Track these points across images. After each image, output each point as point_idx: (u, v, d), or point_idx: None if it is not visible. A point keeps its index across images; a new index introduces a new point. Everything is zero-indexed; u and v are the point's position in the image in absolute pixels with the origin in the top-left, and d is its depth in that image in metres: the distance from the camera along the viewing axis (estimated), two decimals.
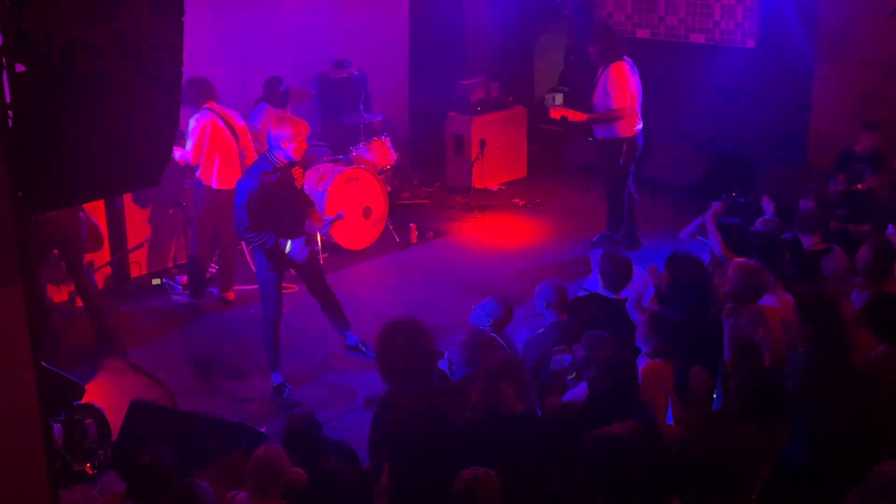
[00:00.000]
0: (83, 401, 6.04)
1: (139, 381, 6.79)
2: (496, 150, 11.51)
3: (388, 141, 9.92)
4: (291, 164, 6.57)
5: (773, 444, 4.44)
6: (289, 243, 6.60)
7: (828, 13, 9.98)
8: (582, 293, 6.54)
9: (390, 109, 11.01)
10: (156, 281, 8.69)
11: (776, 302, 5.93)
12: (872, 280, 6.13)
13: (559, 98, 12.53)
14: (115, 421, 5.93)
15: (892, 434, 4.70)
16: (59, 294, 8.03)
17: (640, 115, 9.14)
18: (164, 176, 3.41)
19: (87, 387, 6.09)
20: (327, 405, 6.81)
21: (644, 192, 10.79)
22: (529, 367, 5.47)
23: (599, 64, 8.99)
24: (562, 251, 9.57)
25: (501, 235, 10.19)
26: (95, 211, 8.39)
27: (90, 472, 5.83)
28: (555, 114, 9.35)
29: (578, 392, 5.12)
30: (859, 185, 8.47)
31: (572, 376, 5.27)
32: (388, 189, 9.86)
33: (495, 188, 11.54)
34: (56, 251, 7.56)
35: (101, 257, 8.53)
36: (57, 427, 5.74)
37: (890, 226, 7.19)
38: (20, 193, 2.94)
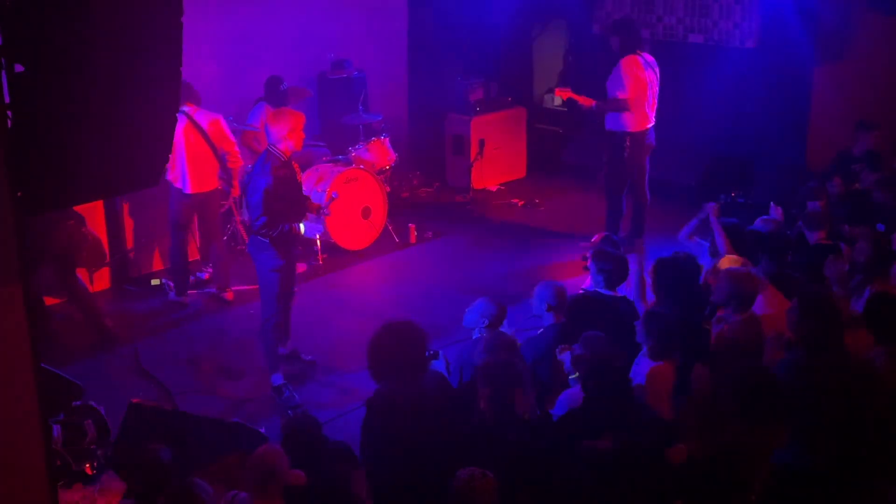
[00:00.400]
0: (82, 401, 6.05)
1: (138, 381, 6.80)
2: (495, 150, 11.52)
3: (387, 141, 9.93)
4: (292, 156, 6.65)
5: (772, 443, 4.45)
6: (302, 226, 6.86)
7: (827, 14, 9.98)
8: (580, 293, 6.55)
9: (389, 110, 11.01)
10: (155, 281, 8.69)
11: (767, 301, 5.93)
12: (872, 276, 6.15)
13: (558, 98, 12.55)
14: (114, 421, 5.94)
15: (889, 435, 4.70)
16: (58, 294, 8.00)
17: (651, 112, 9.17)
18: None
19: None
20: (327, 405, 6.80)
21: None
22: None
23: (617, 55, 9.05)
24: (560, 251, 9.56)
25: (500, 236, 10.19)
26: (94, 211, 8.40)
27: (89, 471, 5.83)
28: (561, 93, 9.38)
29: (575, 391, 5.12)
30: (856, 185, 8.48)
31: (575, 376, 5.27)
32: (388, 189, 9.86)
33: (494, 188, 11.55)
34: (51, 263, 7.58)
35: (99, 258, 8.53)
36: (56, 427, 5.74)
37: (879, 224, 7.20)
38: (19, 194, 2.94)
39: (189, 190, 8.04)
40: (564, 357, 5.46)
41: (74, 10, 2.91)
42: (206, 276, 8.79)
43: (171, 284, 8.52)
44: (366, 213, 9.58)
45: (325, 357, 7.55)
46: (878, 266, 6.27)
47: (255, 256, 6.86)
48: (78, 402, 6.03)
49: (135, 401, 6.04)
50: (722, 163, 10.98)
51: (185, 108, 7.92)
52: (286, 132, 6.51)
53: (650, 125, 9.21)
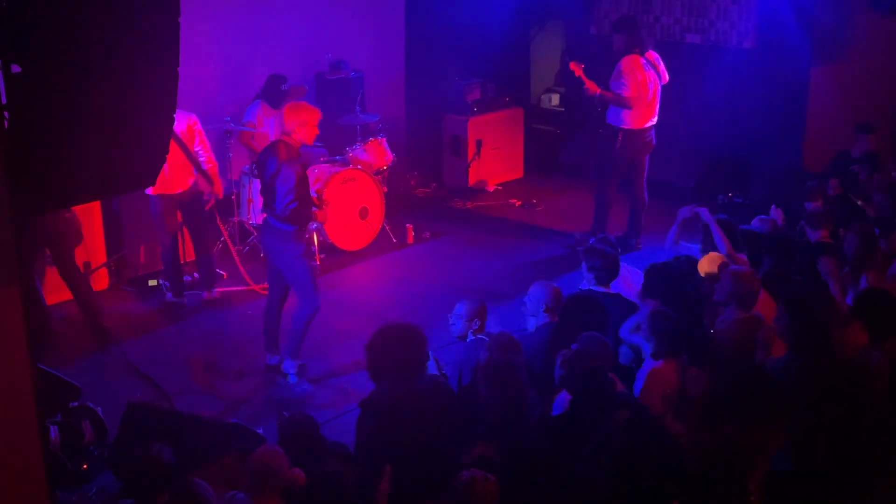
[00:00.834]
0: (79, 402, 6.05)
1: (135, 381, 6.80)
2: (493, 150, 11.53)
3: (384, 142, 9.92)
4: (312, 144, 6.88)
5: (769, 443, 4.45)
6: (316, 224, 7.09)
7: (824, 14, 9.99)
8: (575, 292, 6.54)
9: (387, 110, 11.01)
10: (152, 282, 8.68)
11: (760, 303, 5.94)
12: (861, 268, 6.17)
13: (556, 98, 12.56)
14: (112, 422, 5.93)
15: (884, 429, 4.70)
16: (56, 295, 7.99)
17: (651, 111, 9.22)
18: None
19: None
20: (324, 406, 6.80)
21: None
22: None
23: (620, 54, 9.11)
24: (558, 252, 9.57)
25: (498, 236, 10.19)
26: (91, 212, 8.39)
27: (87, 472, 5.83)
28: (574, 67, 9.35)
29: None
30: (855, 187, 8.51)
31: None
32: (385, 190, 9.86)
33: (492, 188, 11.55)
34: (47, 250, 7.59)
35: (98, 258, 8.52)
36: (53, 428, 5.74)
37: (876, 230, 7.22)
38: (17, 194, 2.94)
39: (167, 191, 7.97)
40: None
41: (71, 10, 2.91)
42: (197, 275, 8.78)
43: (168, 285, 8.51)
44: (363, 213, 9.57)
45: (323, 357, 7.54)
46: (868, 258, 6.31)
47: (279, 248, 6.91)
48: (75, 403, 6.04)
49: (132, 401, 6.03)
50: (719, 163, 10.99)
51: None
52: (298, 124, 6.70)
53: (649, 124, 9.24)
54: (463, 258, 9.60)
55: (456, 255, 9.70)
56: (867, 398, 4.83)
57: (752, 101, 10.56)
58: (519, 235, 10.19)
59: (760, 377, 4.68)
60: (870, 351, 5.20)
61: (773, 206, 7.92)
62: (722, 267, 6.28)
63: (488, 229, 10.38)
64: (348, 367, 7.42)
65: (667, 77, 9.27)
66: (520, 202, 11.15)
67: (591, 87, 9.15)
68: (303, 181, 6.77)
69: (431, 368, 5.70)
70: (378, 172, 9.83)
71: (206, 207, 8.42)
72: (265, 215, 7.03)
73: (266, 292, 7.62)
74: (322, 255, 9.17)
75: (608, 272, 6.22)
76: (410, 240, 9.89)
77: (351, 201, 9.44)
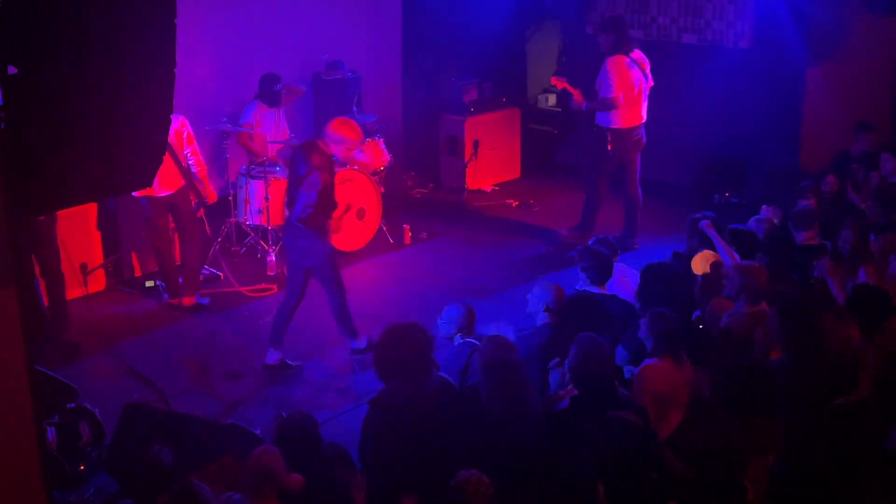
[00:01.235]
0: (76, 403, 6.04)
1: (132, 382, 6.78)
2: (490, 150, 11.53)
3: (381, 142, 9.92)
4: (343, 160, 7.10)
5: (764, 440, 4.46)
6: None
7: (820, 14, 10.00)
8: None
9: (384, 110, 11.01)
10: (149, 283, 8.67)
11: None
12: (857, 264, 6.19)
13: (552, 98, 12.57)
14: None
15: (872, 421, 4.71)
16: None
17: (639, 110, 9.28)
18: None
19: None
20: (322, 406, 6.79)
21: None
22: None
23: (606, 54, 9.20)
24: (555, 252, 9.57)
25: (495, 236, 10.20)
26: (88, 213, 8.39)
27: (84, 474, 5.82)
28: (556, 82, 9.57)
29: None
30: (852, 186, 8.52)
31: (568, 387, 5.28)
32: (382, 190, 9.86)
33: (489, 189, 11.55)
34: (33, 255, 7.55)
35: (94, 259, 8.52)
36: (51, 430, 5.73)
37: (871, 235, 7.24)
38: (13, 196, 2.94)
39: (153, 193, 7.90)
40: (558, 372, 5.46)
41: (68, 11, 2.91)
42: (201, 277, 8.77)
43: (165, 286, 8.51)
44: (360, 214, 9.57)
45: (320, 358, 7.55)
46: (863, 254, 6.33)
47: (306, 246, 7.10)
48: (72, 405, 6.02)
49: (130, 402, 6.02)
50: (715, 163, 11.00)
51: None
52: (337, 139, 6.85)
53: (639, 123, 9.31)
54: (460, 258, 9.60)
55: (453, 255, 9.70)
56: (855, 391, 4.86)
57: (748, 100, 10.57)
58: (516, 235, 10.19)
59: (757, 374, 4.70)
60: (858, 344, 5.23)
61: (763, 207, 7.94)
62: (714, 266, 6.30)
63: (485, 229, 10.38)
64: (346, 367, 7.43)
65: (652, 80, 9.34)
66: (517, 202, 11.15)
67: (578, 98, 9.31)
68: (328, 189, 6.90)
69: None
70: (375, 173, 9.83)
71: (197, 214, 8.40)
72: (287, 214, 7.21)
73: (254, 294, 7.72)
74: (308, 265, 9.14)
75: (601, 273, 6.22)
76: (407, 240, 9.89)
77: (348, 202, 9.43)
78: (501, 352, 5.18)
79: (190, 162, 8.07)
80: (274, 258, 9.02)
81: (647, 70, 9.29)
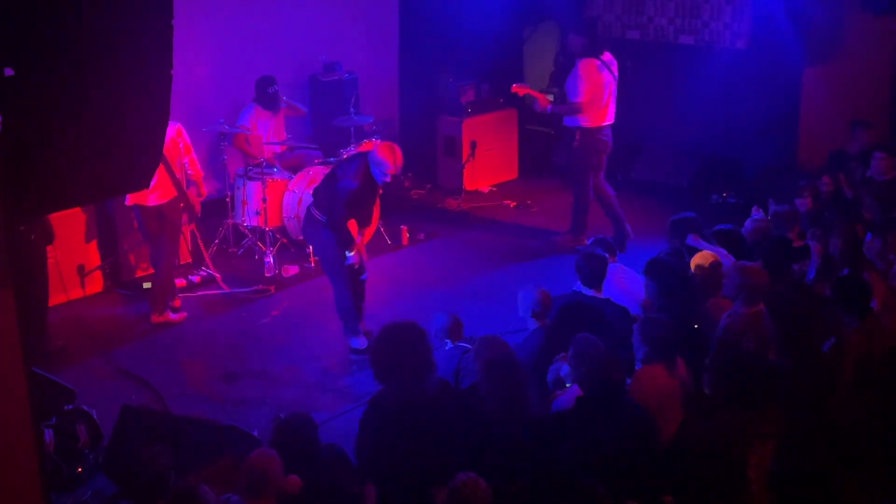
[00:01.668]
0: (74, 405, 6.03)
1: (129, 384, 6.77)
2: (487, 151, 11.53)
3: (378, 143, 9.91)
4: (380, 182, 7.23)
5: (766, 429, 4.46)
6: (347, 254, 7.32)
7: (817, 14, 10.01)
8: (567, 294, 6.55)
9: (381, 111, 11.02)
10: (146, 285, 8.66)
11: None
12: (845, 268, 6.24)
13: (550, 99, 12.56)
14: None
15: (854, 408, 4.73)
16: (52, 297, 7.95)
17: (609, 112, 9.38)
18: None
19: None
20: (319, 407, 6.78)
21: (634, 194, 10.83)
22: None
23: (578, 56, 9.32)
24: (553, 253, 9.57)
25: (492, 237, 10.19)
26: (86, 215, 8.39)
27: (82, 476, 5.81)
28: (517, 89, 9.69)
29: (570, 394, 5.13)
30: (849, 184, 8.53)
31: (568, 386, 5.28)
32: (380, 191, 9.83)
33: (486, 190, 11.55)
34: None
35: (91, 261, 8.51)
36: (48, 432, 5.73)
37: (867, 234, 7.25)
38: (11, 198, 2.93)
39: (144, 202, 7.80)
40: (558, 366, 5.46)
41: (65, 13, 2.90)
42: (198, 279, 8.77)
43: None
44: None
45: (318, 359, 7.55)
46: (853, 260, 6.35)
47: (312, 235, 7.55)
48: (70, 407, 6.02)
49: (127, 404, 6.02)
50: (713, 163, 11.01)
51: None
52: (377, 161, 7.09)
53: (605, 123, 9.41)
54: (458, 259, 9.60)
55: (451, 256, 9.70)
56: (841, 385, 4.87)
57: (745, 101, 10.58)
58: (514, 236, 10.19)
59: (755, 363, 4.71)
60: (847, 334, 5.27)
61: (754, 207, 7.95)
62: (714, 263, 6.30)
63: (483, 230, 10.39)
64: (344, 368, 7.43)
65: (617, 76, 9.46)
66: (514, 203, 11.15)
67: (542, 101, 9.49)
68: (357, 202, 7.16)
69: None
70: None
71: (185, 225, 8.32)
72: (309, 205, 7.49)
73: (252, 297, 7.80)
74: (317, 257, 9.15)
75: (594, 275, 6.20)
76: (405, 241, 9.89)
77: None
78: (499, 351, 5.20)
79: (188, 171, 7.99)
80: (272, 259, 9.01)
81: (615, 69, 9.40)
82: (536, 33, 12.66)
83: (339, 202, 7.13)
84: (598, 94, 9.19)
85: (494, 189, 11.60)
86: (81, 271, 8.43)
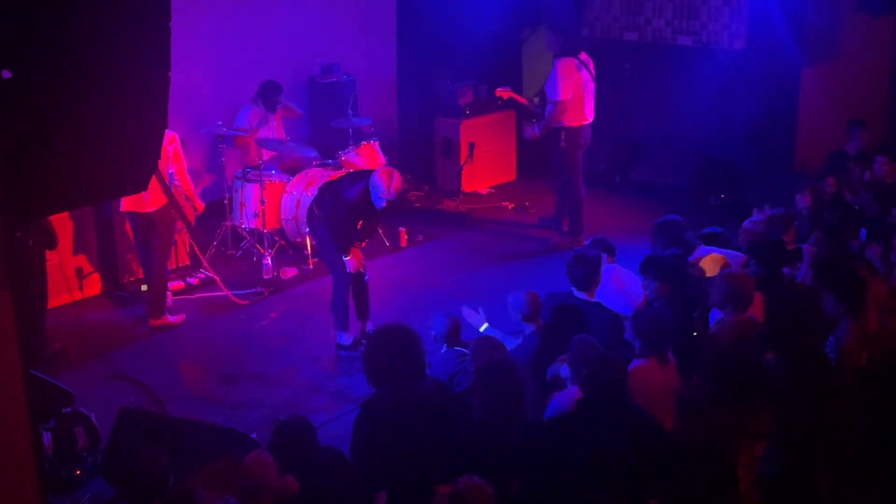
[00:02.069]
0: (72, 408, 6.03)
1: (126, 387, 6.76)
2: (485, 153, 11.53)
3: (376, 145, 9.91)
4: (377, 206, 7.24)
5: (755, 427, 4.46)
6: (345, 258, 7.36)
7: (814, 15, 10.02)
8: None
9: (379, 113, 11.01)
10: (144, 287, 8.65)
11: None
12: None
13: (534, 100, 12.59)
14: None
15: (850, 406, 4.73)
16: (52, 299, 7.94)
17: (588, 110, 9.53)
18: None
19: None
20: (317, 409, 6.78)
21: (633, 194, 10.83)
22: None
23: (555, 55, 9.49)
24: (552, 253, 9.57)
25: (491, 239, 10.19)
26: (84, 216, 8.37)
27: (80, 478, 5.81)
28: (501, 93, 9.94)
29: (568, 395, 5.12)
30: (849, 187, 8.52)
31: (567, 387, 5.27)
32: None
33: (485, 191, 11.55)
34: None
35: (89, 264, 8.50)
36: (47, 434, 5.72)
37: (863, 230, 7.26)
38: (9, 200, 2.93)
39: (138, 208, 7.78)
40: (557, 367, 5.46)
41: (62, 15, 2.90)
42: (196, 281, 8.76)
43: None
44: None
45: (316, 361, 7.54)
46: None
47: (319, 231, 7.56)
48: (68, 409, 6.01)
49: (125, 407, 6.02)
50: (711, 164, 11.01)
51: None
52: (373, 184, 7.09)
53: (586, 122, 9.56)
54: (456, 261, 9.59)
55: (449, 258, 9.70)
56: (840, 384, 4.87)
57: (743, 102, 10.59)
58: (512, 238, 10.19)
59: (745, 362, 4.71)
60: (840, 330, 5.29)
61: (755, 210, 7.94)
62: (724, 267, 6.30)
63: (481, 232, 10.38)
64: (342, 370, 7.42)
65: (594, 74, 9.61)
66: (512, 205, 11.15)
67: (526, 105, 9.66)
68: (355, 216, 7.23)
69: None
70: None
71: (177, 235, 8.29)
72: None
73: (244, 301, 7.95)
74: (315, 259, 9.15)
75: (583, 279, 6.18)
76: (404, 243, 9.89)
77: None
78: (494, 353, 5.20)
79: (175, 181, 7.77)
80: (270, 261, 9.00)
81: (593, 70, 9.53)
82: (535, 35, 12.65)
83: (339, 209, 7.23)
84: (578, 93, 9.36)
85: (493, 190, 11.60)
86: (80, 274, 8.42)
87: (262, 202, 9.08)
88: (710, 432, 4.40)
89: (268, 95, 9.44)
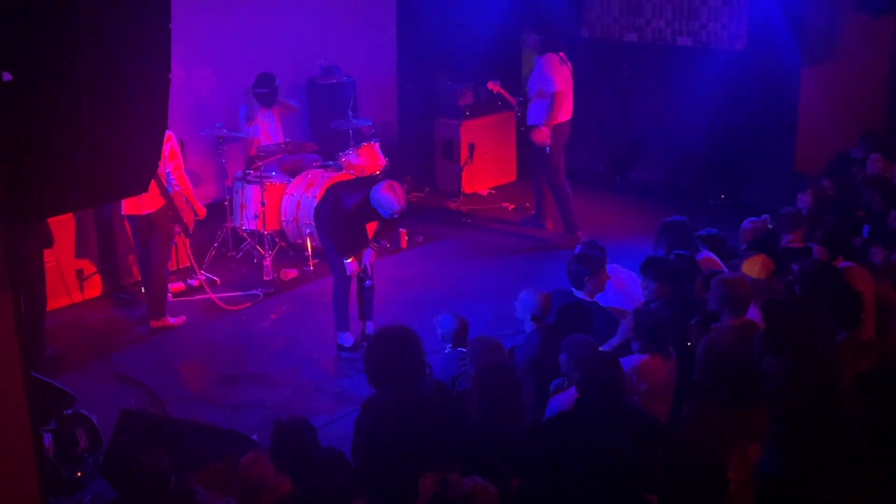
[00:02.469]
0: (73, 409, 6.03)
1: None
2: (486, 154, 11.54)
3: (377, 146, 9.91)
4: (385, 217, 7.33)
5: (748, 428, 4.46)
6: (345, 261, 7.44)
7: (814, 16, 10.03)
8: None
9: (379, 115, 11.02)
10: (143, 289, 8.66)
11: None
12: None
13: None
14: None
15: (851, 418, 4.73)
16: (52, 300, 7.94)
17: (568, 106, 9.69)
18: None
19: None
20: (319, 411, 6.79)
21: (633, 194, 10.83)
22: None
23: (536, 53, 9.71)
24: (551, 254, 9.57)
25: (491, 239, 10.20)
26: (84, 218, 8.38)
27: (81, 480, 5.81)
28: (493, 87, 10.15)
29: (567, 395, 5.12)
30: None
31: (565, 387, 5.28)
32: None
33: (485, 192, 11.56)
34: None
35: (90, 265, 8.51)
36: (48, 436, 5.73)
37: (865, 227, 7.25)
38: (8, 201, 2.94)
39: (137, 211, 7.76)
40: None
41: (62, 17, 2.91)
42: (196, 282, 8.76)
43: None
44: None
45: (317, 362, 7.55)
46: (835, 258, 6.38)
47: (321, 231, 7.60)
48: (69, 411, 6.02)
49: (126, 408, 6.02)
50: (711, 165, 11.01)
51: None
52: (378, 203, 7.14)
53: (568, 119, 9.71)
54: (456, 262, 9.60)
55: (449, 259, 9.70)
56: (837, 390, 4.87)
57: (743, 102, 10.59)
58: (512, 238, 10.20)
59: (740, 362, 4.71)
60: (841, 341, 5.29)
61: (765, 216, 7.94)
62: (771, 273, 6.27)
63: (481, 233, 10.39)
64: (342, 371, 7.43)
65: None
66: (513, 206, 11.16)
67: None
68: (348, 217, 7.28)
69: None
70: None
71: (176, 237, 8.24)
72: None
73: (234, 307, 8.08)
74: (315, 260, 9.16)
75: (575, 276, 6.18)
76: (404, 244, 9.89)
77: None
78: (493, 353, 5.19)
79: (172, 181, 7.72)
80: (270, 263, 9.01)
81: (570, 69, 9.71)
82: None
83: (336, 214, 7.29)
84: (564, 86, 9.53)
85: (493, 191, 11.61)
86: (80, 276, 8.43)
87: (263, 204, 9.08)
88: (703, 433, 4.39)
89: (260, 87, 9.42)
